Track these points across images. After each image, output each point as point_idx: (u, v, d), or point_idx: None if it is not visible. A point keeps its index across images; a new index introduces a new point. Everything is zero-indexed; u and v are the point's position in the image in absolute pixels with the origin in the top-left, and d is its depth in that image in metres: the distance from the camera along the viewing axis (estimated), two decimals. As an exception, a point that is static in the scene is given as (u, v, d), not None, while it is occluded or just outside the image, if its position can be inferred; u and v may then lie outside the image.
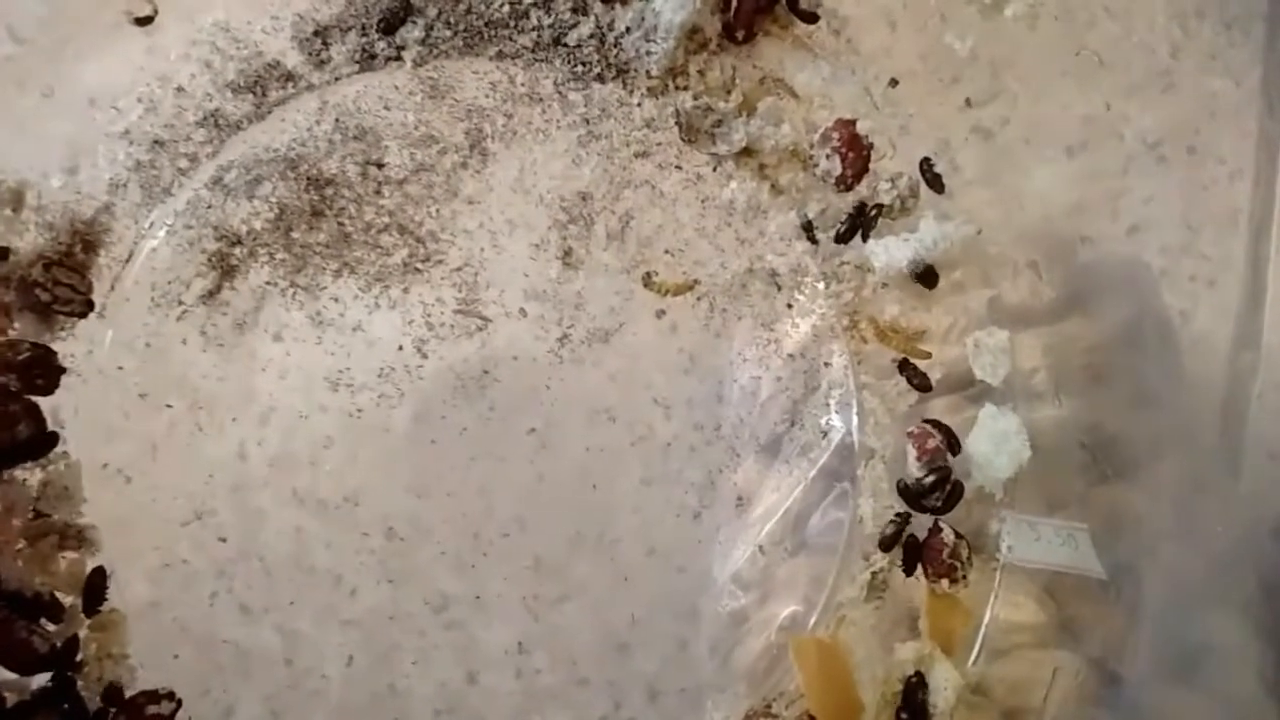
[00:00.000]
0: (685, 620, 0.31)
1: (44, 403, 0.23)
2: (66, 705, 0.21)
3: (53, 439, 0.21)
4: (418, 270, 0.23)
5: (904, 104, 0.29)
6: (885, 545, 0.26)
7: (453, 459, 0.29)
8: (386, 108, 0.23)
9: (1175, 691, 0.27)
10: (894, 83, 0.25)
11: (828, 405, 0.28)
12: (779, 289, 0.27)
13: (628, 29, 0.23)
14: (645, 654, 0.30)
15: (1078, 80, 0.35)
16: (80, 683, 0.23)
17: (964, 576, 0.24)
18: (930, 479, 0.25)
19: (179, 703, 0.24)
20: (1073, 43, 0.35)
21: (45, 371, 0.21)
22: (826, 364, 0.28)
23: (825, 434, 0.28)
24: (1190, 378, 0.34)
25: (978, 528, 0.27)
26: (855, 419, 0.28)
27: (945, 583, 0.25)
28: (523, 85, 0.24)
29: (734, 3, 0.24)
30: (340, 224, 0.23)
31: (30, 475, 0.22)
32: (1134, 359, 0.30)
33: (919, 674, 0.24)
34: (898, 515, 0.26)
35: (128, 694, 0.24)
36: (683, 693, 0.31)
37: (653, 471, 0.31)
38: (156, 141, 0.22)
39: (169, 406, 0.25)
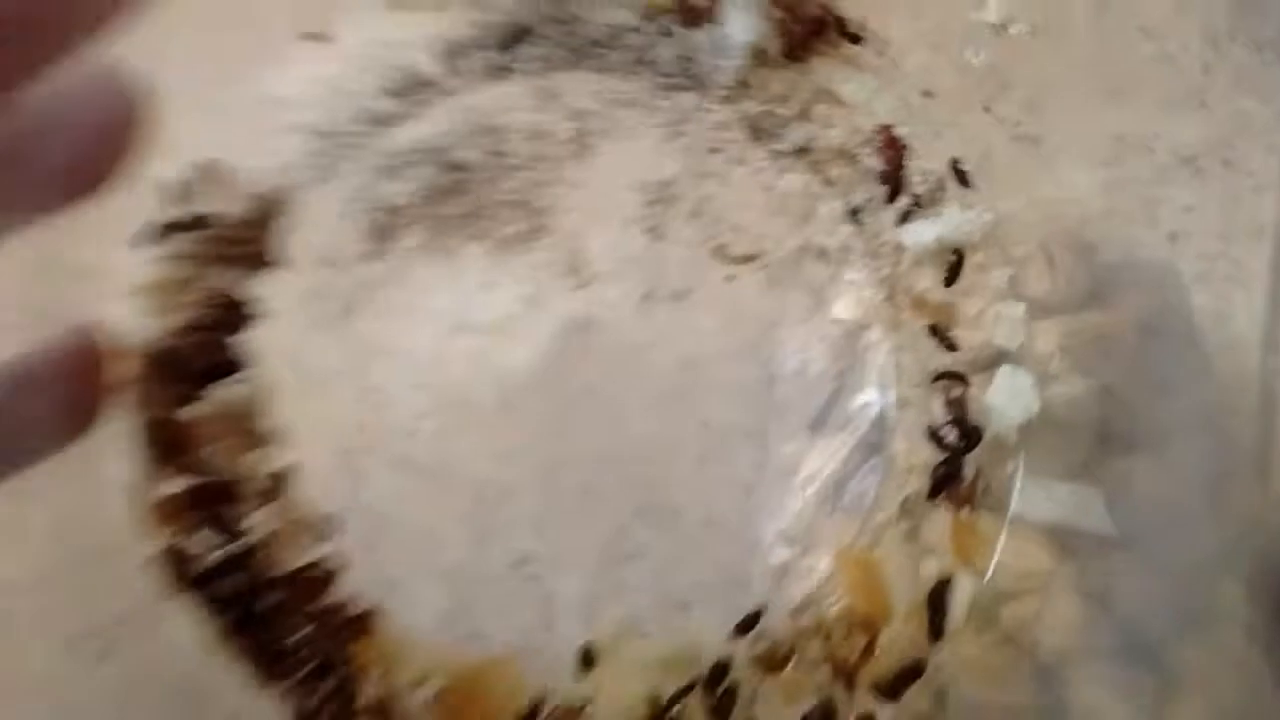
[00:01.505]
0: (738, 583, 0.31)
1: (236, 338, 0.26)
2: (246, 571, 0.26)
3: (240, 365, 0.25)
4: (533, 238, 0.27)
5: (938, 113, 0.30)
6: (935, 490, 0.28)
7: (537, 428, 0.30)
8: (509, 109, 0.27)
9: (1189, 642, 0.28)
10: (928, 94, 0.29)
11: (868, 381, 0.29)
12: (828, 263, 0.29)
13: (704, 49, 0.28)
14: (703, 610, 0.31)
15: (1113, 96, 0.37)
16: (259, 554, 0.25)
17: (980, 504, 0.28)
18: (954, 421, 0.28)
19: (338, 568, 0.26)
20: (1108, 61, 0.37)
21: (238, 313, 0.26)
22: (869, 340, 0.29)
23: (865, 407, 0.29)
24: (1222, 376, 0.34)
25: (992, 479, 0.28)
26: (893, 381, 0.29)
27: (967, 510, 0.28)
28: (619, 93, 0.28)
29: (792, 28, 0.28)
30: (472, 200, 0.27)
31: (225, 392, 0.25)
32: (1153, 347, 0.32)
33: (943, 581, 0.27)
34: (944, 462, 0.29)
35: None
36: None
37: (709, 450, 0.32)
38: (327, 134, 0.26)
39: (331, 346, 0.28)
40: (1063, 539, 0.28)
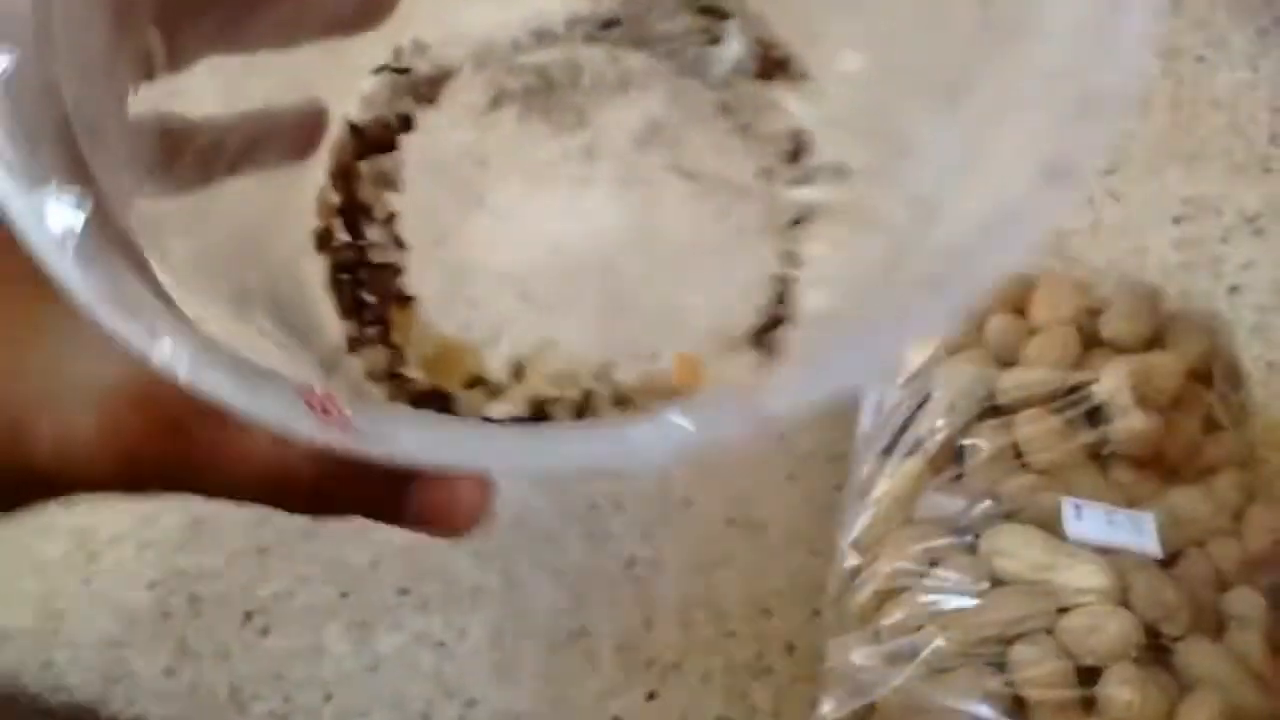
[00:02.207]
0: (817, 592, 0.38)
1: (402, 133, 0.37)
2: (355, 253, 0.40)
3: (397, 147, 0.39)
4: (578, 127, 0.34)
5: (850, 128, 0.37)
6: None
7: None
8: (590, 60, 0.37)
9: (1203, 645, 0.32)
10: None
11: (935, 414, 0.34)
12: (735, 195, 0.35)
13: (714, 58, 0.38)
14: (784, 616, 0.38)
15: (1185, 161, 0.44)
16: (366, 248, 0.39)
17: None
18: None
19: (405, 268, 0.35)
20: (1180, 130, 0.44)
21: (406, 121, 0.39)
22: (938, 372, 0.34)
23: (933, 432, 0.34)
24: (1267, 420, 0.38)
25: (1049, 509, 0.33)
26: (954, 422, 0.33)
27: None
28: (655, 69, 0.36)
29: (765, 59, 0.38)
30: (549, 100, 0.37)
31: (382, 159, 0.38)
32: (1204, 391, 0.36)
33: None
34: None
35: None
36: (813, 651, 0.37)
37: (795, 472, 0.39)
38: (488, 45, 0.37)
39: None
40: (1114, 559, 0.32)
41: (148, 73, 0.24)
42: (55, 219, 0.19)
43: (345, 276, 0.39)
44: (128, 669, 0.36)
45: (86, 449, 0.22)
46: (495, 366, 0.36)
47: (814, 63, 0.36)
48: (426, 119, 0.38)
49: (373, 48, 0.38)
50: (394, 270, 0.37)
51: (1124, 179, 0.43)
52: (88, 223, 0.19)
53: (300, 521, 0.36)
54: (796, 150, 0.37)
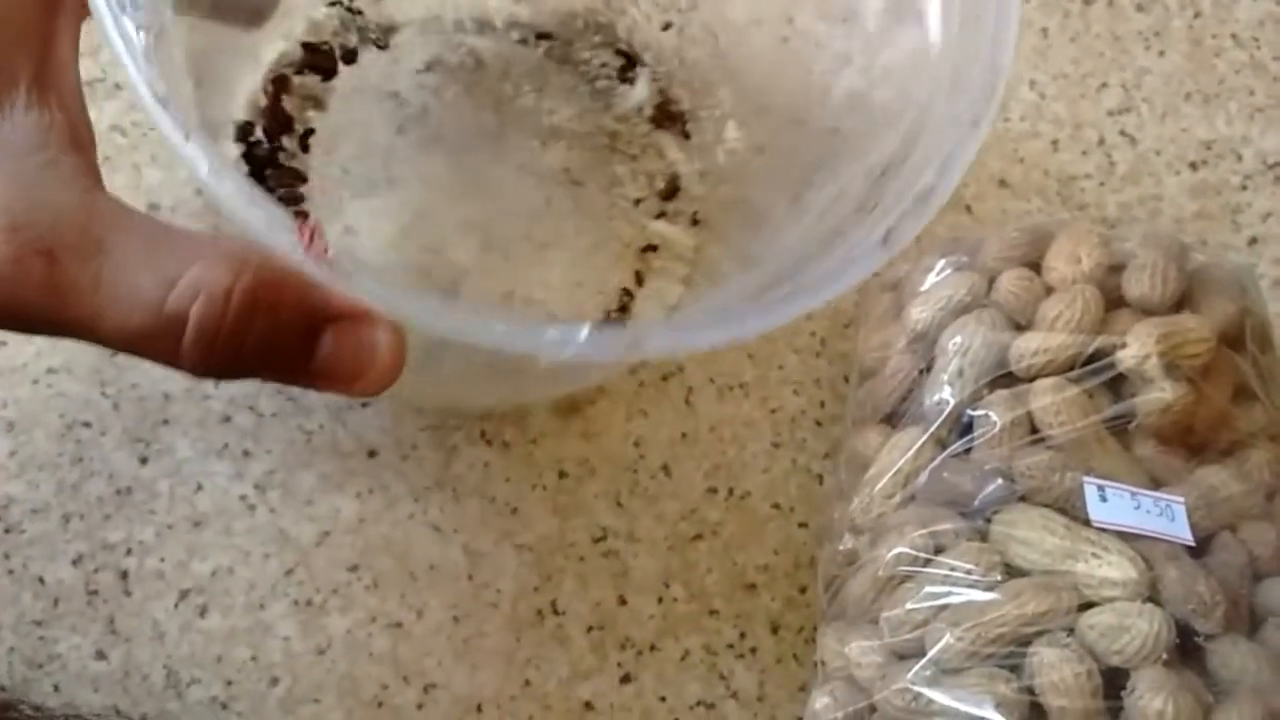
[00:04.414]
0: (805, 569, 0.36)
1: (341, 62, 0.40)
2: (271, 145, 0.40)
3: (336, 72, 0.41)
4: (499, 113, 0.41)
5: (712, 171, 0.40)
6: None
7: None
8: (521, 60, 0.42)
9: (1238, 644, 0.28)
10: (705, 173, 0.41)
11: (941, 382, 0.31)
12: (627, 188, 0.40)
13: (624, 95, 0.42)
14: (770, 593, 0.35)
15: (1204, 101, 0.40)
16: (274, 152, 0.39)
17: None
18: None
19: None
20: (1200, 67, 0.40)
21: (348, 50, 0.42)
22: (945, 340, 0.32)
23: (938, 404, 0.31)
24: None
25: (1069, 490, 0.29)
26: (961, 390, 0.30)
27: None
28: (571, 87, 0.42)
29: (663, 109, 0.42)
30: (472, 78, 0.41)
31: (318, 82, 0.40)
32: (1234, 355, 0.32)
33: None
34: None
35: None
36: (800, 630, 0.35)
37: (781, 437, 0.36)
38: (434, 17, 0.41)
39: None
40: (1142, 547, 0.29)
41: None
42: (130, 32, 0.21)
43: (253, 169, 0.39)
44: (53, 652, 0.33)
45: None
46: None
47: (702, 125, 0.40)
48: (368, 57, 0.41)
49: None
50: (297, 177, 0.39)
51: (1137, 120, 0.40)
52: (154, 45, 0.22)
53: (240, 491, 0.35)
54: (669, 190, 0.41)
